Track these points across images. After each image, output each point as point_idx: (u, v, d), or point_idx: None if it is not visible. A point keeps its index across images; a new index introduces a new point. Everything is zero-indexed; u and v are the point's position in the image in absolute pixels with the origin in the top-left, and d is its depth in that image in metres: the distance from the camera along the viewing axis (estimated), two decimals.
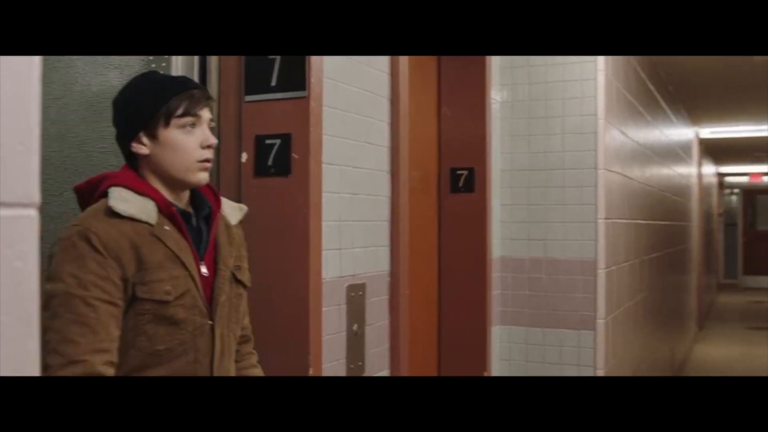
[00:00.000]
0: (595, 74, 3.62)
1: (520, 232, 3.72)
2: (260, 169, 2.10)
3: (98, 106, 2.40)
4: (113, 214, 1.55)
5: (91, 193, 1.64)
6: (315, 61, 2.10)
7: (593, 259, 3.62)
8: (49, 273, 1.51)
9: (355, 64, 2.35)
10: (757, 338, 10.28)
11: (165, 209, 1.61)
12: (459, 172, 3.47)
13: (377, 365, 2.47)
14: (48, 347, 1.44)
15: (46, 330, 1.45)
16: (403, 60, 2.64)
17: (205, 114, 1.65)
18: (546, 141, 3.69)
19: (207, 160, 1.64)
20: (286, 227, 2.09)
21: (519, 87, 3.74)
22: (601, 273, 3.63)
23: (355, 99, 2.34)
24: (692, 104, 8.12)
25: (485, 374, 3.43)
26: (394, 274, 2.57)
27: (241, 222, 1.81)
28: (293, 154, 2.07)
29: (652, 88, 5.70)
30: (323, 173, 2.14)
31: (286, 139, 2.08)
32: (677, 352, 7.60)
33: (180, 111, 1.60)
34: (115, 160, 2.37)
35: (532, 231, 3.71)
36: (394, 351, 2.56)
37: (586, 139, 3.62)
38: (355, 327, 2.32)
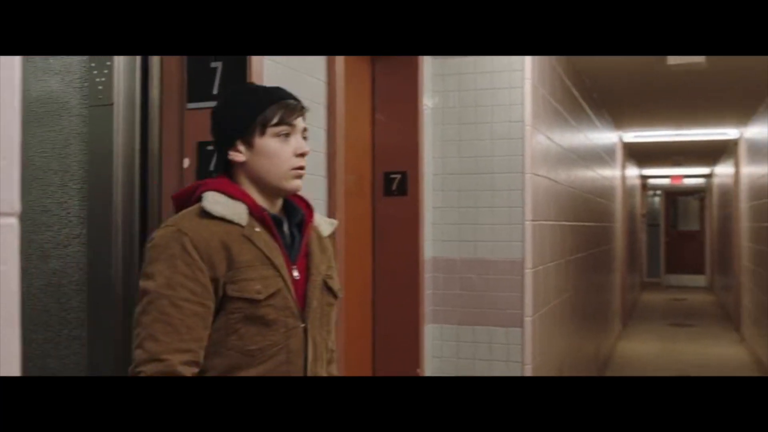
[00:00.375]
0: (522, 82, 3.78)
1: (451, 233, 3.86)
2: (202, 174, 2.17)
3: (39, 111, 2.43)
4: (205, 215, 1.61)
5: (188, 200, 1.69)
6: (256, 70, 2.19)
7: (521, 260, 3.78)
8: (143, 271, 1.58)
9: (293, 73, 2.44)
10: (678, 334, 10.71)
11: (256, 212, 1.66)
12: (392, 176, 3.59)
13: None
14: (136, 341, 1.54)
15: (136, 325, 1.55)
16: (340, 68, 2.74)
17: (299, 123, 1.70)
18: (476, 146, 3.83)
19: (300, 168, 1.70)
20: None
21: (450, 94, 3.88)
22: (528, 273, 3.79)
23: None
24: (616, 110, 8.43)
25: (418, 371, 3.55)
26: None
27: (332, 235, 1.87)
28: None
29: (577, 94, 5.92)
30: None
31: None
32: (602, 348, 7.88)
33: (275, 120, 1.66)
34: (57, 165, 2.41)
35: (463, 233, 3.85)
36: (340, 345, 2.65)
37: (514, 144, 3.78)
38: None
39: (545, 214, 4.27)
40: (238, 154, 1.68)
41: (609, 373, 7.81)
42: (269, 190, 1.70)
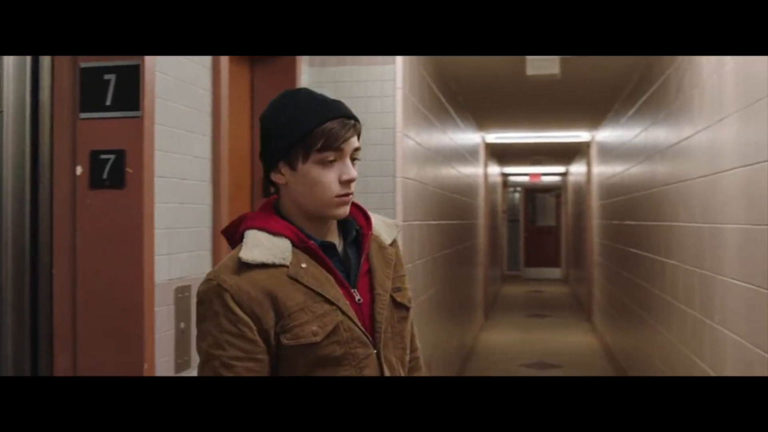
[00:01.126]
0: (394, 91, 4.02)
1: None
2: (95, 182, 2.26)
3: None
4: (245, 263, 1.50)
5: (233, 236, 1.61)
6: (148, 82, 2.30)
7: None
8: (198, 330, 1.54)
9: (181, 84, 2.56)
10: (535, 324, 11.33)
11: (301, 244, 1.56)
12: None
13: None
14: None
15: None
16: (224, 78, 2.87)
17: (349, 146, 1.55)
18: None
19: (345, 195, 1.56)
20: (121, 236, 2.27)
21: None
22: None
23: (182, 116, 2.55)
24: (479, 113, 8.88)
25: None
26: None
27: (395, 240, 1.75)
28: (127, 169, 2.26)
29: (443, 100, 6.24)
30: (155, 185, 2.34)
31: (120, 154, 2.26)
32: (466, 340, 8.29)
33: (319, 145, 1.52)
34: None
35: None
36: None
37: (386, 149, 4.02)
38: (182, 325, 2.54)
39: (414, 214, 4.54)
40: (281, 177, 1.57)
41: (472, 364, 8.22)
42: (312, 216, 1.59)
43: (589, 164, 11.37)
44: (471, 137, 9.28)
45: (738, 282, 3.16)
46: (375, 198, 4.01)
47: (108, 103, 2.27)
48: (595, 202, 10.53)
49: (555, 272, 19.51)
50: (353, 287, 1.60)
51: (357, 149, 1.59)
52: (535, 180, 19.36)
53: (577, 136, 10.78)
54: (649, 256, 5.59)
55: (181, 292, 2.54)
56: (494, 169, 14.95)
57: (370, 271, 1.63)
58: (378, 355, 1.58)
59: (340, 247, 1.63)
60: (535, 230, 20.58)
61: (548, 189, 20.52)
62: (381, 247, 1.68)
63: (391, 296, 1.65)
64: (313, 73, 4.04)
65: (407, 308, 1.70)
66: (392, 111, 4.02)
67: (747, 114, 3.02)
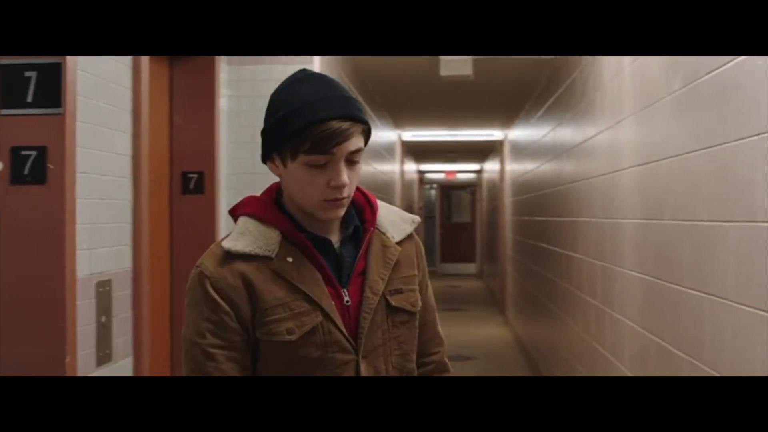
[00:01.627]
0: None
1: None
2: (16, 178, 2.29)
3: None
4: (227, 252, 1.46)
5: (235, 218, 1.55)
6: (69, 79, 2.34)
7: None
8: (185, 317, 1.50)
9: (103, 82, 2.60)
10: (452, 318, 11.58)
11: (291, 237, 1.49)
12: (190, 175, 3.79)
13: (122, 353, 2.74)
14: None
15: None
16: (144, 76, 2.92)
17: (341, 150, 1.43)
18: None
19: (335, 199, 1.46)
20: (43, 231, 2.31)
21: (243, 99, 4.13)
22: None
23: (103, 113, 2.60)
24: (395, 112, 9.05)
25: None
26: (136, 270, 2.85)
27: (410, 237, 1.63)
28: (49, 165, 2.30)
29: (361, 99, 6.36)
30: (76, 181, 2.38)
31: (41, 150, 2.30)
32: None
33: (306, 148, 1.41)
34: None
35: None
36: (137, 339, 2.84)
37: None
38: (103, 319, 2.59)
39: None
40: (274, 167, 1.51)
41: None
42: (305, 212, 1.51)
43: (502, 162, 11.69)
44: (388, 135, 9.44)
45: (634, 273, 3.38)
46: None
47: (29, 99, 2.30)
48: (508, 199, 10.84)
49: (470, 267, 19.90)
50: (344, 287, 1.51)
51: (356, 151, 1.46)
52: (451, 177, 19.69)
53: (491, 135, 11.07)
54: (557, 250, 5.84)
55: (102, 287, 2.58)
56: (411, 167, 15.18)
57: (364, 271, 1.53)
58: (357, 362, 1.48)
59: (337, 243, 1.54)
60: (450, 227, 20.93)
61: (463, 186, 20.90)
62: (384, 245, 1.57)
63: (386, 298, 1.53)
64: (232, 71, 4.10)
65: (408, 312, 1.57)
66: None
67: (642, 116, 3.24)
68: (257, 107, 4.06)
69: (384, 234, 1.58)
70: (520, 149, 9.15)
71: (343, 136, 1.42)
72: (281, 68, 4.10)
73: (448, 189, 21.29)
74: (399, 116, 9.50)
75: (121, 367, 2.72)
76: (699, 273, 2.53)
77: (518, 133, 9.34)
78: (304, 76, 1.50)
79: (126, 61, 2.81)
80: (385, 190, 8.88)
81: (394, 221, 1.62)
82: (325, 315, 1.46)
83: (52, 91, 2.30)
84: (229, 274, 1.45)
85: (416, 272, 1.62)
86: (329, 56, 4.62)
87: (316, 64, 4.13)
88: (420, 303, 1.61)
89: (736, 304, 2.20)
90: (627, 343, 3.54)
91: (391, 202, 9.88)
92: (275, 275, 1.46)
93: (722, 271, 2.31)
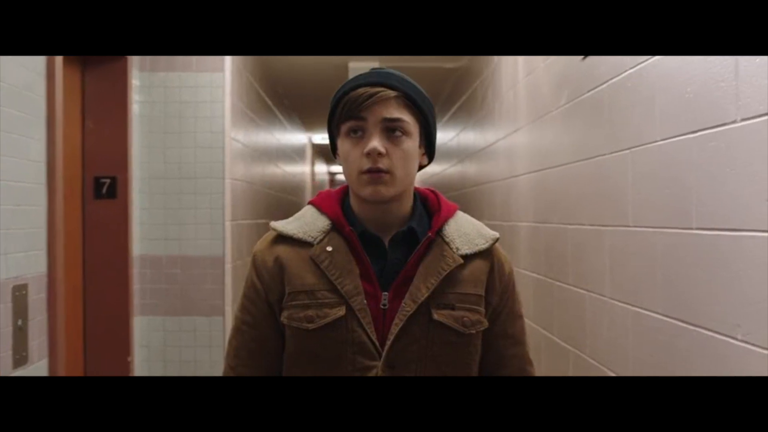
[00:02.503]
0: (223, 98, 4.23)
1: (157, 233, 4.20)
2: None
3: None
4: (276, 233, 1.50)
5: None
6: None
7: (221, 256, 4.24)
8: None
9: (16, 90, 2.67)
10: None
11: (340, 228, 1.48)
12: (102, 180, 3.85)
13: (38, 354, 2.81)
14: None
15: None
16: (59, 85, 2.98)
17: (373, 115, 1.41)
18: (180, 153, 4.21)
19: (370, 171, 1.41)
20: None
21: (156, 105, 4.21)
22: (228, 267, 4.26)
23: (16, 121, 2.66)
24: (305, 115, 9.18)
25: (129, 359, 3.86)
26: (51, 274, 2.92)
27: (484, 254, 1.51)
28: None
29: (270, 103, 6.49)
30: None
31: None
32: None
33: (341, 115, 1.44)
34: None
35: (169, 232, 4.21)
36: (52, 341, 2.91)
37: (215, 152, 4.22)
38: (19, 322, 2.65)
39: (243, 214, 4.76)
40: (338, 156, 1.51)
41: None
42: (359, 198, 1.48)
43: None
44: (298, 138, 9.56)
45: (528, 272, 3.64)
46: (204, 198, 4.21)
47: None
48: None
49: None
50: (385, 289, 1.44)
51: (394, 120, 1.41)
52: None
53: None
54: None
55: (19, 291, 2.65)
56: (322, 168, 15.31)
57: (412, 277, 1.44)
58: (379, 370, 1.40)
59: (387, 242, 1.48)
60: None
61: None
62: (443, 254, 1.47)
63: (430, 311, 1.43)
64: (144, 78, 4.17)
65: (455, 332, 1.44)
66: (221, 116, 4.23)
67: (535, 126, 3.49)
68: (169, 113, 4.17)
69: (448, 243, 1.48)
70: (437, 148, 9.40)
71: (372, 98, 1.39)
72: (193, 76, 4.21)
73: None
74: (309, 120, 9.64)
75: (37, 368, 2.79)
76: (580, 272, 2.78)
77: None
78: (368, 71, 1.50)
79: (40, 69, 2.87)
80: (295, 192, 9.00)
81: (467, 233, 1.51)
82: (351, 311, 1.41)
83: None
84: (270, 255, 1.48)
85: (482, 293, 1.48)
86: (239, 62, 4.74)
87: (227, 71, 4.25)
88: (480, 326, 1.47)
89: (610, 300, 2.45)
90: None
91: (302, 202, 10.07)
92: (310, 261, 1.44)
93: (599, 270, 2.56)
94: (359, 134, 1.42)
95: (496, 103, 4.50)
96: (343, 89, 1.45)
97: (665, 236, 2.02)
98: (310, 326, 1.41)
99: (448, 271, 1.45)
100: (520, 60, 3.79)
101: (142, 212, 4.18)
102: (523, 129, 3.74)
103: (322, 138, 11.40)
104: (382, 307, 1.43)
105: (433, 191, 1.59)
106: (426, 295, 1.42)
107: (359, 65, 5.78)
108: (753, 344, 1.58)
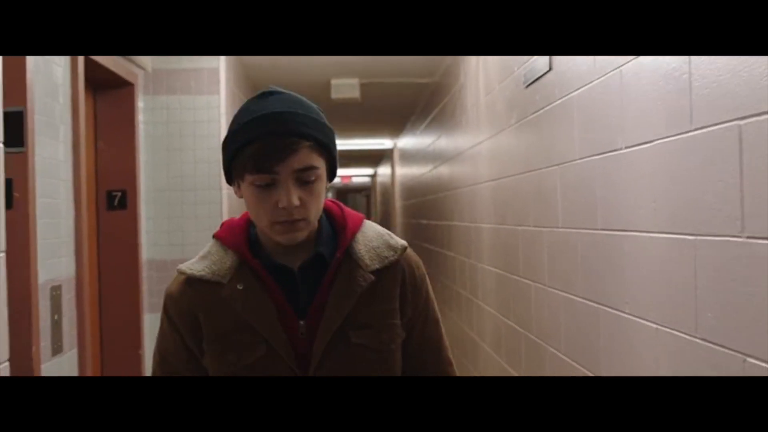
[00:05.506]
0: (219, 117, 4.74)
1: (163, 239, 4.70)
2: None
3: None
4: (185, 275, 1.46)
5: None
6: (29, 125, 2.90)
7: None
8: None
9: (50, 121, 3.17)
10: None
11: (249, 263, 1.43)
12: (114, 193, 4.35)
13: (69, 345, 3.31)
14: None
15: None
16: (81, 115, 3.48)
17: (286, 168, 1.33)
18: (182, 168, 4.72)
19: (287, 222, 1.36)
20: (12, 247, 2.86)
21: (159, 125, 4.71)
22: None
23: (51, 147, 3.16)
24: None
25: (140, 352, 4.36)
26: (79, 277, 3.42)
27: (393, 266, 1.47)
28: (15, 194, 2.86)
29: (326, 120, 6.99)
30: (36, 206, 2.95)
31: (9, 182, 2.86)
32: None
33: (249, 167, 1.34)
34: None
35: (172, 238, 4.71)
36: (81, 334, 3.41)
37: (213, 167, 4.73)
38: (55, 317, 3.15)
39: None
40: (236, 189, 1.45)
41: None
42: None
43: (393, 167, 12.48)
44: None
45: (490, 267, 4.16)
46: (204, 208, 4.71)
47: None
48: (398, 203, 11.63)
49: None
50: (301, 318, 1.42)
51: (306, 169, 1.35)
52: (346, 181, 20.40)
53: (382, 144, 11.86)
54: (437, 250, 6.62)
55: (54, 291, 3.15)
56: None
57: (326, 303, 1.41)
58: None
59: (296, 269, 1.44)
60: None
61: (359, 189, 21.66)
62: (353, 274, 1.43)
63: (347, 335, 1.41)
64: (148, 101, 4.68)
65: (375, 350, 1.42)
66: (218, 133, 4.73)
67: (493, 140, 4.01)
68: (170, 132, 4.68)
69: (357, 262, 1.44)
70: (408, 157, 9.96)
71: (283, 153, 1.31)
72: (192, 98, 4.71)
73: (345, 192, 21.99)
74: None
75: (69, 357, 3.28)
76: (528, 266, 3.31)
77: (405, 142, 10.15)
78: (265, 92, 1.42)
79: (66, 101, 3.37)
80: None
81: (376, 247, 1.47)
82: (271, 348, 1.38)
83: (17, 134, 2.86)
84: (183, 301, 1.44)
85: (396, 305, 1.46)
86: (233, 84, 5.24)
87: (222, 94, 4.75)
88: (399, 338, 1.46)
89: (549, 288, 2.98)
90: (488, 326, 4.32)
91: None
92: (223, 303, 1.41)
93: (540, 264, 3.09)
94: (268, 186, 1.35)
95: (462, 117, 5.03)
96: (247, 135, 1.34)
97: (582, 235, 2.55)
98: (233, 368, 1.39)
99: (360, 291, 1.42)
100: (481, 81, 4.32)
101: (149, 221, 4.68)
102: (485, 142, 4.26)
103: None
104: (300, 336, 1.40)
105: (336, 203, 1.56)
106: (341, 319, 1.40)
107: (340, 82, 6.29)
108: (636, 316, 2.11)
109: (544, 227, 3.02)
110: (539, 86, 3.04)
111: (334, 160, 1.46)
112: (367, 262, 1.45)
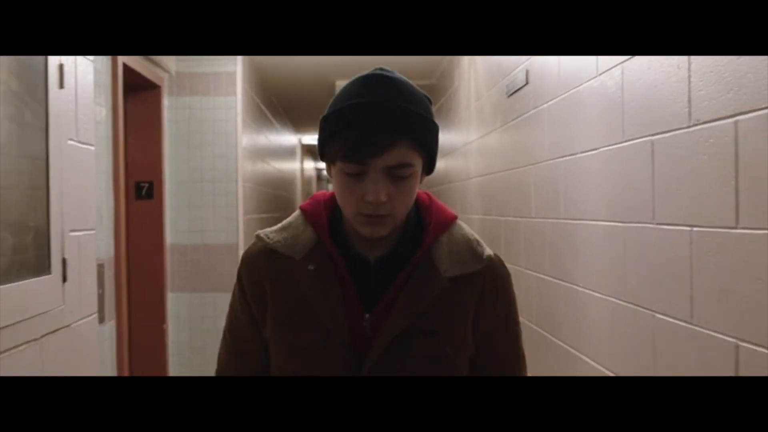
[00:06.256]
0: (235, 116, 5.24)
1: (184, 226, 5.21)
2: None
3: None
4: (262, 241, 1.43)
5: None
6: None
7: (235, 244, 5.25)
8: None
9: (99, 124, 3.66)
10: None
11: (327, 244, 1.39)
12: (142, 184, 4.85)
13: (108, 317, 3.81)
14: None
15: None
16: (120, 116, 3.97)
17: (377, 162, 1.26)
18: (201, 162, 5.22)
19: (371, 216, 1.30)
20: None
21: (180, 123, 5.21)
22: (241, 253, 5.27)
23: (97, 145, 3.66)
24: (296, 119, 10.22)
25: (164, 326, 4.87)
26: (117, 257, 3.92)
27: (474, 276, 1.39)
28: None
29: (268, 114, 7.50)
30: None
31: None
32: None
33: (343, 154, 1.27)
34: None
35: (192, 225, 5.22)
36: (118, 307, 3.91)
37: (230, 161, 5.23)
38: (100, 291, 3.66)
39: (252, 209, 5.78)
40: (328, 168, 1.38)
41: None
42: None
43: None
44: (289, 139, 10.58)
45: None
46: (222, 198, 5.22)
47: None
48: None
49: None
50: (368, 311, 1.35)
51: (400, 166, 1.27)
52: None
53: None
54: None
55: (99, 269, 3.65)
56: (310, 165, 16.33)
57: (396, 301, 1.35)
58: None
59: (372, 260, 1.39)
60: None
61: None
62: (430, 277, 1.37)
63: (410, 338, 1.34)
64: (172, 101, 5.17)
65: (438, 360, 1.35)
66: (234, 131, 5.24)
67: (482, 141, 4.51)
68: (191, 129, 5.18)
69: (436, 265, 1.38)
70: None
71: (379, 147, 1.25)
72: (211, 99, 5.21)
73: None
74: (299, 124, 10.69)
75: (110, 327, 3.79)
76: (509, 251, 3.82)
77: None
78: (374, 73, 1.33)
79: (107, 101, 3.87)
80: (286, 186, 10.02)
81: (459, 253, 1.40)
82: (329, 335, 1.34)
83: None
84: (255, 266, 1.42)
85: (469, 316, 1.38)
86: (247, 85, 5.73)
87: (239, 95, 5.25)
88: (465, 354, 1.39)
89: (525, 270, 3.48)
90: None
91: (291, 197, 11.12)
92: (292, 280, 1.38)
93: (519, 250, 3.60)
94: (359, 176, 1.28)
95: (456, 117, 5.52)
96: (345, 122, 1.27)
97: (549, 224, 3.06)
98: (288, 347, 1.37)
99: (434, 296, 1.35)
100: (472, 87, 4.82)
101: (172, 210, 5.18)
102: (474, 142, 4.76)
103: (310, 139, 12.44)
104: (363, 329, 1.34)
105: (429, 196, 1.49)
106: (408, 321, 1.34)
107: (344, 83, 6.75)
108: (587, 288, 2.62)
109: (521, 217, 3.53)
110: (518, 96, 3.54)
111: (433, 156, 1.37)
112: (446, 266, 1.38)
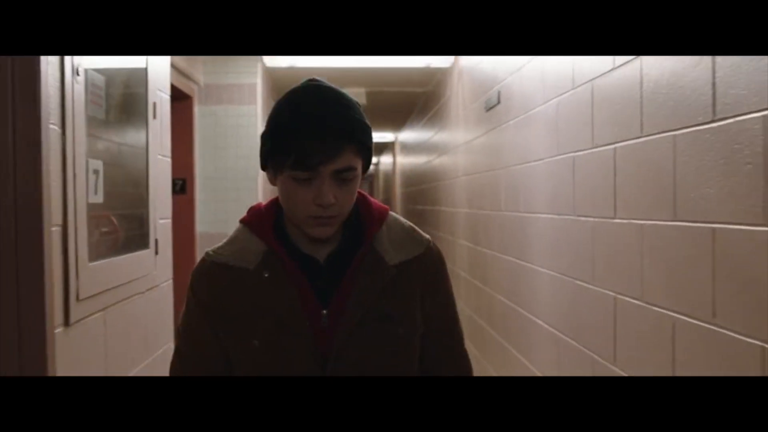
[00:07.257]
0: (256, 122, 6.02)
1: (211, 217, 5.99)
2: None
3: None
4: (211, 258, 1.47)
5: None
6: None
7: None
8: None
9: None
10: None
11: (276, 250, 1.44)
12: (177, 180, 5.63)
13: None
14: None
15: None
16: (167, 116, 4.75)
17: (326, 167, 1.32)
18: (227, 162, 6.00)
19: (321, 218, 1.37)
20: None
21: (208, 128, 6.00)
22: None
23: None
24: None
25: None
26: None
27: (415, 260, 1.50)
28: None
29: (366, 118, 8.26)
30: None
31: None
32: None
33: (290, 162, 1.32)
34: None
35: (218, 216, 6.00)
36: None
37: (251, 161, 6.02)
38: None
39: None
40: (270, 176, 1.43)
41: None
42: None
43: (394, 157, 13.69)
44: None
45: (464, 243, 5.45)
46: (244, 193, 6.00)
47: None
48: (399, 190, 12.86)
49: None
50: (325, 307, 1.42)
51: (346, 170, 1.35)
52: None
53: (384, 137, 13.11)
54: (430, 231, 7.90)
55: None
56: None
57: (350, 294, 1.43)
58: None
59: (322, 259, 1.46)
60: None
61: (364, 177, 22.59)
62: (377, 266, 1.46)
63: (369, 325, 1.42)
64: (202, 109, 5.96)
65: (397, 342, 1.44)
66: (254, 135, 6.01)
67: (468, 145, 5.29)
68: (217, 133, 5.98)
69: (381, 255, 1.47)
70: (407, 150, 11.23)
71: (327, 155, 1.31)
72: (236, 107, 6.00)
73: None
74: None
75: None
76: (486, 240, 4.60)
77: (406, 136, 11.41)
78: (308, 84, 1.40)
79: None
80: None
81: (400, 241, 1.51)
82: (293, 335, 1.40)
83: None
84: (212, 280, 1.45)
85: (417, 297, 1.48)
86: (266, 94, 6.50)
87: (258, 104, 6.02)
88: (418, 331, 1.48)
89: (498, 254, 4.27)
90: (462, 286, 5.62)
91: None
92: (248, 289, 1.42)
93: (499, 239, 4.38)
94: (307, 181, 1.34)
95: (448, 123, 6.30)
96: (292, 132, 1.32)
97: (514, 217, 3.84)
98: (253, 354, 1.40)
99: (383, 284, 1.44)
100: (460, 99, 5.60)
101: (201, 203, 5.96)
102: (462, 146, 5.54)
103: None
104: (323, 325, 1.41)
105: (364, 194, 1.55)
106: (363, 311, 1.42)
107: (349, 91, 7.47)
108: (538, 266, 3.40)
109: (494, 211, 4.31)
110: (493, 112, 4.32)
111: (370, 157, 1.45)
112: (391, 255, 1.47)
